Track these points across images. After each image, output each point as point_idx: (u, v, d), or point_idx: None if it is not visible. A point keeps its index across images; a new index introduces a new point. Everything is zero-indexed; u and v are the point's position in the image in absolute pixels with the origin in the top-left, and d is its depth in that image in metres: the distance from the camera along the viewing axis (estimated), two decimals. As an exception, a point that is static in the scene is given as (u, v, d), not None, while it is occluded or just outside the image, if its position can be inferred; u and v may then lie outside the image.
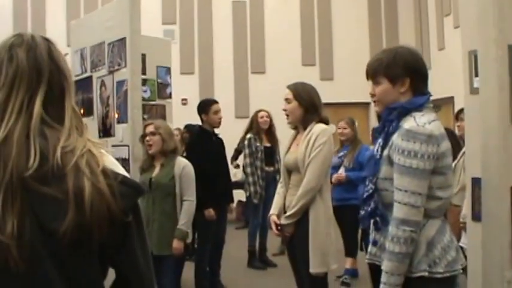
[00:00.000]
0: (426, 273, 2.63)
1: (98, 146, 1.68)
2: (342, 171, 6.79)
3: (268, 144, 8.04)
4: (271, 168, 8.03)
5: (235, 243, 8.29)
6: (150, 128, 5.02)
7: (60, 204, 1.49)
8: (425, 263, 2.64)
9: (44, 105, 1.61)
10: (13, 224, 1.48)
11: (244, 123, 8.26)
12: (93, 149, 1.62)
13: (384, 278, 2.63)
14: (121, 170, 1.66)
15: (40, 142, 1.54)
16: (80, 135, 1.63)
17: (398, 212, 2.62)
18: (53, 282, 1.54)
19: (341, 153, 6.96)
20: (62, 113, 1.64)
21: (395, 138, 2.66)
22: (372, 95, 2.93)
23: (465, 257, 3.04)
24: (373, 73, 2.86)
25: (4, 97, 1.59)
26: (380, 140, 2.79)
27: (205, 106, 6.67)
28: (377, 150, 2.78)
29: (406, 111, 2.73)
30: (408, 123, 2.66)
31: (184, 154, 6.46)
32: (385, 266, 2.64)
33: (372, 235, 2.89)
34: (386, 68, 2.80)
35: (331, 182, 6.73)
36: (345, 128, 7.09)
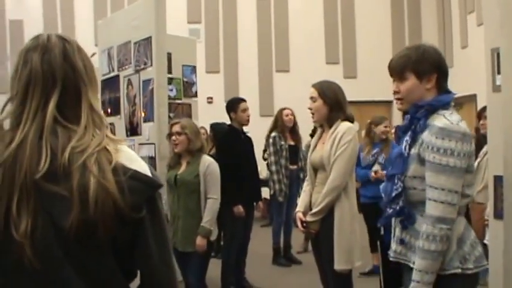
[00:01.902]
0: (459, 270, 2.62)
1: (117, 142, 1.68)
2: (378, 169, 6.76)
3: (292, 143, 8.06)
4: (295, 167, 8.07)
5: (260, 241, 8.31)
6: (176, 128, 5.06)
7: (66, 202, 1.51)
8: (457, 259, 2.63)
9: (59, 106, 1.62)
10: (27, 224, 1.51)
11: (269, 121, 8.28)
12: (110, 146, 1.63)
13: (417, 276, 2.61)
14: (136, 165, 1.65)
15: (52, 142, 1.57)
16: (96, 133, 1.65)
17: (434, 210, 2.60)
18: (69, 280, 1.56)
19: (374, 151, 6.94)
20: (79, 113, 1.66)
21: (427, 136, 2.64)
22: (396, 92, 2.90)
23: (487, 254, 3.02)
24: (400, 69, 2.82)
25: (20, 101, 1.62)
26: (407, 138, 2.76)
27: (234, 104, 6.72)
28: (405, 148, 2.75)
29: (433, 109, 2.72)
30: (440, 121, 2.64)
31: (212, 152, 6.51)
32: (419, 264, 2.61)
33: (398, 233, 2.87)
34: (415, 64, 2.78)
35: (368, 180, 6.76)
36: (385, 127, 7.10)
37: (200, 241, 4.89)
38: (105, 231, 1.54)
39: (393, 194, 2.76)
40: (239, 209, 6.33)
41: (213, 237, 5.06)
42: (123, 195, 1.55)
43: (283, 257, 8.13)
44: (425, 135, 2.65)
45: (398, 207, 2.76)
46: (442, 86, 2.81)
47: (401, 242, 2.82)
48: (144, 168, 1.65)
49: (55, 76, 1.64)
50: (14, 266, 1.54)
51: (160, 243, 1.69)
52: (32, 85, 1.62)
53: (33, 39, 1.73)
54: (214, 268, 6.13)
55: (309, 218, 4.25)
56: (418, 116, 2.73)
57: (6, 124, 1.65)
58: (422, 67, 2.78)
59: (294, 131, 8.11)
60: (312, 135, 8.60)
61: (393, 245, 2.90)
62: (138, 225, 1.63)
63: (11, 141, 1.58)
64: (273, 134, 7.89)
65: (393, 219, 2.92)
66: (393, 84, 2.91)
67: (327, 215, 4.16)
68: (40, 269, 1.53)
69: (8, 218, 1.52)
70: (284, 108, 8.10)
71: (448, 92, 2.83)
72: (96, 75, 1.78)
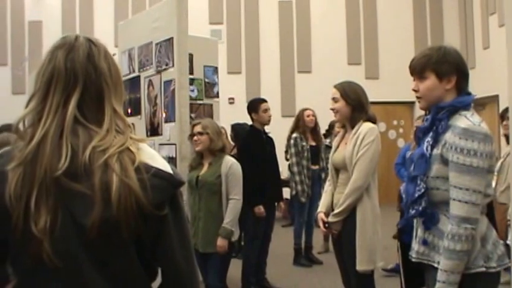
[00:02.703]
0: (483, 269, 2.63)
1: (139, 141, 1.69)
2: None
3: (313, 143, 8.05)
4: (317, 167, 8.07)
5: (281, 241, 8.32)
6: (198, 128, 5.07)
7: (88, 200, 1.53)
8: (481, 258, 2.64)
9: (79, 106, 1.64)
10: (46, 220, 1.52)
11: (291, 121, 8.27)
12: (132, 146, 1.64)
13: (442, 276, 2.61)
14: (158, 163, 1.66)
15: (72, 140, 1.58)
16: (119, 135, 1.65)
17: (459, 210, 2.60)
18: (91, 279, 1.58)
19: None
20: (100, 114, 1.67)
21: (450, 137, 2.65)
22: (415, 91, 2.92)
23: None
24: (421, 68, 2.84)
25: (42, 97, 1.64)
26: (429, 139, 2.76)
27: (255, 105, 6.75)
28: (426, 149, 2.75)
29: (455, 110, 2.73)
30: (462, 122, 2.65)
31: (233, 152, 6.53)
32: (445, 264, 2.62)
33: (421, 234, 2.86)
34: (436, 64, 2.80)
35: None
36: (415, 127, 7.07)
37: (221, 242, 4.89)
38: (127, 229, 1.56)
39: (416, 195, 2.76)
40: (260, 209, 6.34)
41: (234, 238, 5.05)
42: (146, 193, 1.56)
43: (304, 257, 8.12)
44: (448, 136, 2.66)
45: (421, 208, 2.76)
46: (462, 88, 2.83)
47: (425, 242, 2.82)
48: (165, 166, 1.66)
49: (77, 75, 1.65)
50: (35, 265, 1.55)
51: (183, 240, 1.70)
52: (54, 82, 1.64)
53: (62, 38, 1.75)
54: (235, 268, 6.14)
55: (331, 219, 4.25)
56: (439, 117, 2.74)
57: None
58: (443, 68, 2.79)
59: (315, 131, 8.11)
60: (325, 135, 8.61)
61: (415, 246, 2.90)
62: (160, 223, 1.64)
63: (31, 138, 1.60)
64: (294, 134, 7.88)
65: (414, 220, 2.91)
66: (413, 83, 2.92)
67: (349, 215, 4.16)
68: (61, 268, 1.54)
69: (28, 214, 1.53)
70: (305, 109, 8.10)
71: (468, 93, 2.84)
72: (122, 81, 1.80)
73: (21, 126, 1.65)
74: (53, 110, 1.62)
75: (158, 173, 1.62)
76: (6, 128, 6.33)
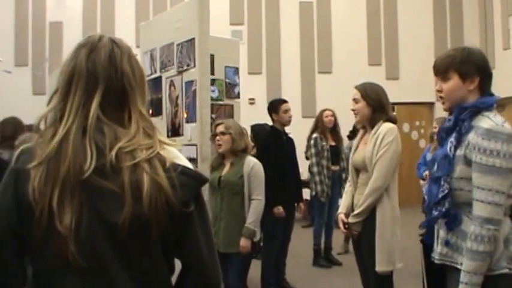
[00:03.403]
0: (506, 270, 2.62)
1: (165, 143, 1.71)
2: None
3: (333, 143, 8.04)
4: (337, 167, 8.06)
5: (301, 242, 8.33)
6: (221, 128, 5.10)
7: (117, 198, 1.54)
8: (504, 260, 2.63)
9: (101, 106, 1.65)
10: (71, 218, 1.54)
11: (311, 122, 8.28)
12: (160, 148, 1.66)
13: (465, 278, 2.61)
14: (183, 161, 1.68)
15: (97, 138, 1.59)
16: (148, 137, 1.66)
17: (482, 210, 2.60)
18: (116, 277, 1.59)
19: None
20: (122, 115, 1.68)
21: (473, 138, 2.64)
22: (438, 91, 2.91)
23: None
24: (444, 68, 2.85)
25: (63, 95, 1.66)
26: (452, 140, 2.76)
27: (276, 105, 6.78)
28: (449, 150, 2.75)
29: (477, 110, 2.73)
30: (485, 122, 2.65)
31: (253, 153, 6.54)
32: (468, 265, 2.61)
33: (443, 235, 2.85)
34: (460, 64, 2.80)
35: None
36: (435, 128, 7.06)
37: (244, 242, 4.92)
38: (157, 227, 1.58)
39: (440, 196, 2.75)
40: (279, 209, 6.35)
41: (257, 238, 5.07)
42: (175, 190, 1.59)
43: (323, 258, 8.13)
44: (471, 137, 2.66)
45: (444, 209, 2.75)
46: (485, 89, 2.83)
47: (447, 243, 2.81)
48: (189, 165, 1.69)
49: (98, 76, 1.66)
50: (59, 264, 1.57)
51: (207, 236, 1.73)
52: (75, 81, 1.66)
53: (87, 37, 1.76)
54: (255, 268, 6.16)
55: (350, 220, 4.26)
56: (462, 117, 2.74)
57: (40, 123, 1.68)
58: (466, 68, 2.79)
59: (335, 131, 8.11)
60: (349, 137, 8.60)
61: (438, 247, 2.89)
62: (186, 220, 1.66)
63: (52, 137, 1.61)
64: (314, 135, 7.89)
65: (437, 221, 2.90)
66: (437, 83, 2.92)
67: (369, 216, 4.16)
68: (86, 267, 1.55)
69: (52, 212, 1.55)
70: (325, 110, 8.10)
71: (491, 94, 2.84)
72: (146, 83, 1.80)
73: (42, 124, 1.67)
74: (74, 108, 1.63)
75: (185, 171, 1.64)
76: (11, 121, 6.38)
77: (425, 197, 2.95)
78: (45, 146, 1.61)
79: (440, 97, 2.92)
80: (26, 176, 1.59)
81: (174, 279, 1.77)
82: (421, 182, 7.09)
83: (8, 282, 1.68)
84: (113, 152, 1.57)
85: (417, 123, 14.58)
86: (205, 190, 4.95)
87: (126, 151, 1.59)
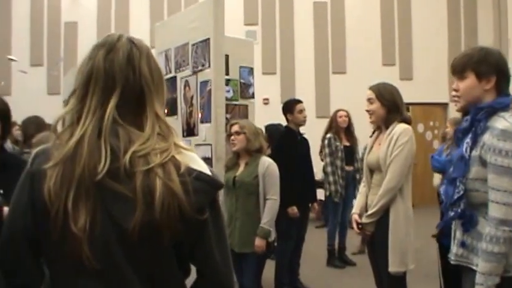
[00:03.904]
0: None
1: (181, 147, 1.68)
2: None
3: (347, 144, 8.04)
4: (351, 168, 8.05)
5: (315, 242, 8.32)
6: (235, 128, 5.12)
7: (129, 202, 1.53)
8: None
9: (118, 108, 1.63)
10: (85, 220, 1.53)
11: (325, 122, 8.28)
12: (175, 151, 1.63)
13: (480, 279, 2.59)
14: (200, 166, 1.65)
15: (112, 141, 1.58)
16: (163, 140, 1.64)
17: (497, 212, 2.58)
18: (129, 279, 1.59)
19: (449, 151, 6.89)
20: (139, 117, 1.67)
21: (488, 139, 2.63)
22: (455, 90, 2.91)
23: None
24: (461, 68, 2.85)
25: (81, 96, 1.65)
26: (468, 140, 2.75)
27: (290, 106, 6.79)
28: (465, 151, 2.74)
29: (493, 111, 2.72)
30: (500, 123, 2.64)
31: (267, 153, 6.55)
32: (483, 267, 2.60)
33: (459, 236, 2.85)
34: (476, 64, 2.80)
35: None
36: (447, 128, 7.04)
37: (259, 242, 4.93)
38: (169, 233, 1.56)
39: (455, 197, 2.75)
40: (293, 209, 6.36)
41: (271, 238, 5.07)
42: (188, 196, 1.57)
43: (337, 258, 8.13)
44: (487, 138, 2.65)
45: (459, 210, 2.75)
46: (501, 89, 2.82)
47: (463, 244, 2.80)
48: (205, 169, 1.66)
49: (115, 77, 1.65)
50: (73, 266, 1.57)
51: (221, 242, 1.71)
52: (93, 82, 1.64)
53: (105, 37, 1.74)
54: (269, 269, 6.15)
55: (364, 220, 4.26)
56: (478, 117, 2.73)
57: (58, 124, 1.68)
58: (483, 68, 2.79)
59: (349, 132, 8.10)
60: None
61: (454, 248, 2.88)
62: (200, 227, 1.64)
63: (69, 138, 1.61)
64: (328, 135, 7.89)
65: (453, 222, 2.90)
66: (453, 82, 2.92)
67: (382, 216, 4.16)
68: (100, 269, 1.56)
69: (67, 214, 1.54)
70: (339, 110, 8.11)
71: (508, 94, 2.82)
72: (164, 84, 1.77)
73: (59, 126, 1.67)
74: (91, 110, 1.62)
75: (200, 176, 1.62)
76: (33, 120, 6.42)
77: (443, 197, 2.93)
78: (61, 148, 1.60)
79: (456, 96, 2.91)
80: (41, 177, 1.59)
81: (188, 282, 1.77)
82: (435, 176, 7.02)
83: (29, 283, 1.69)
84: (127, 156, 1.56)
85: (431, 123, 14.55)
86: (220, 190, 4.96)
87: (139, 155, 1.57)
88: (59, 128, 1.66)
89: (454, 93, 2.93)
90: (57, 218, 1.55)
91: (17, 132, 8.97)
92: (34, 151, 1.73)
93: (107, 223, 1.56)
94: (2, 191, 3.05)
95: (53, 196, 1.55)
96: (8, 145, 7.59)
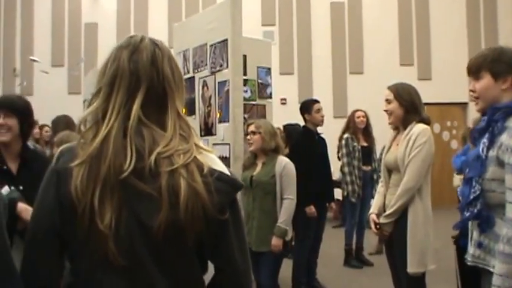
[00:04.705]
0: None
1: (202, 149, 1.71)
2: None
3: (365, 144, 8.05)
4: (369, 168, 8.06)
5: (332, 242, 8.33)
6: (252, 128, 5.15)
7: (154, 202, 1.56)
8: None
9: (142, 107, 1.66)
10: (111, 217, 1.56)
11: (342, 122, 8.29)
12: (196, 151, 1.66)
13: (498, 281, 2.54)
14: (220, 167, 1.68)
15: (137, 141, 1.61)
16: (184, 140, 1.67)
17: None
18: (153, 277, 1.61)
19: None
20: (162, 117, 1.69)
21: (506, 139, 2.61)
22: (472, 91, 2.91)
23: None
24: (476, 68, 2.85)
25: (106, 96, 1.68)
26: (485, 140, 2.73)
27: (308, 105, 6.81)
28: (482, 151, 2.72)
29: (511, 111, 2.70)
30: None
31: (285, 152, 6.57)
32: (500, 268, 2.54)
33: (476, 237, 2.83)
34: (491, 63, 2.79)
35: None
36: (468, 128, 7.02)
37: (276, 241, 4.94)
38: (192, 232, 1.59)
39: (471, 197, 2.72)
40: (311, 209, 6.37)
41: (288, 237, 5.08)
42: (211, 196, 1.59)
43: (355, 258, 8.13)
44: (505, 138, 2.63)
45: (476, 210, 2.72)
46: None
47: (480, 245, 2.76)
48: (226, 170, 1.69)
49: (140, 77, 1.68)
50: (99, 262, 1.59)
51: (241, 241, 1.73)
52: (118, 82, 1.67)
53: (127, 38, 1.77)
54: (286, 268, 6.18)
55: (382, 220, 4.25)
56: (495, 118, 2.71)
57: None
58: (498, 67, 2.78)
59: (367, 132, 8.11)
60: None
61: (471, 249, 2.84)
62: (221, 226, 1.67)
63: (94, 137, 1.63)
64: (346, 135, 7.90)
65: (470, 223, 2.88)
66: (470, 83, 2.92)
67: (401, 217, 4.15)
68: (125, 266, 1.58)
69: (93, 211, 1.57)
70: (356, 110, 8.11)
71: None
72: (184, 84, 1.81)
73: (83, 126, 1.69)
74: (116, 109, 1.64)
75: (222, 177, 1.65)
76: (63, 119, 6.50)
77: (460, 198, 2.91)
78: (86, 146, 1.63)
79: (475, 97, 2.91)
80: (67, 175, 1.62)
81: (206, 278, 1.78)
82: (455, 177, 6.99)
83: (49, 282, 1.70)
84: (152, 157, 1.58)
85: (448, 123, 14.46)
86: (240, 191, 4.98)
87: (164, 156, 1.60)
88: (83, 128, 1.69)
89: (471, 93, 2.92)
90: (84, 216, 1.57)
91: (46, 133, 9.11)
92: (59, 149, 1.76)
93: (132, 221, 1.58)
94: (21, 187, 3.12)
95: (79, 194, 1.57)
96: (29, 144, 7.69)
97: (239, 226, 1.75)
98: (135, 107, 1.65)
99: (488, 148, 2.70)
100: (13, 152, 3.41)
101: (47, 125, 9.46)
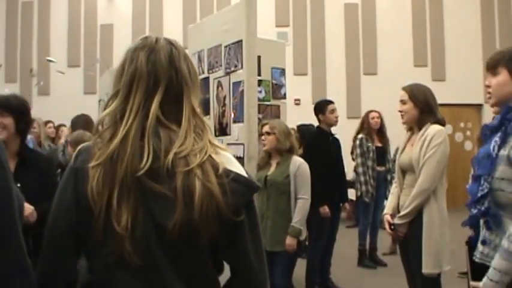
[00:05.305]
0: None
1: (217, 147, 1.71)
2: None
3: (379, 144, 8.05)
4: (383, 168, 8.06)
5: (346, 242, 8.32)
6: (266, 128, 5.18)
7: (170, 202, 1.56)
8: None
9: (161, 107, 1.67)
10: (127, 218, 1.57)
11: (356, 123, 8.30)
12: (211, 149, 1.66)
13: (496, 276, 2.55)
14: (236, 167, 1.68)
15: (154, 142, 1.61)
16: (199, 137, 1.68)
17: None
18: (168, 277, 1.62)
19: None
20: (180, 115, 1.69)
21: None
22: (487, 86, 2.92)
23: None
24: (494, 63, 2.85)
25: (124, 97, 1.68)
26: (496, 139, 2.73)
27: (322, 106, 6.83)
28: (493, 149, 2.71)
29: None
30: None
31: (299, 153, 6.59)
32: (498, 264, 2.56)
33: (483, 235, 2.84)
34: (509, 61, 2.80)
35: None
36: None
37: (290, 241, 4.97)
38: (206, 233, 1.59)
39: (479, 195, 2.73)
40: (325, 209, 6.39)
41: (302, 237, 5.11)
42: (226, 198, 1.59)
43: (368, 258, 8.14)
44: None
45: (483, 208, 2.73)
46: None
47: (487, 243, 2.78)
48: (242, 171, 1.69)
49: (158, 77, 1.69)
50: (115, 262, 1.61)
51: (256, 242, 1.73)
52: (136, 83, 1.68)
53: (142, 39, 1.78)
54: (299, 267, 6.17)
55: (397, 221, 4.25)
56: (509, 117, 2.71)
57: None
58: None
59: (381, 133, 8.11)
60: None
61: (479, 246, 2.86)
62: (236, 227, 1.67)
63: (111, 137, 1.64)
64: (360, 135, 7.91)
65: (481, 221, 2.89)
66: (486, 79, 2.93)
67: (416, 218, 4.15)
68: (141, 266, 1.59)
69: (110, 212, 1.58)
70: (371, 111, 8.12)
71: None
72: (199, 82, 1.82)
73: (101, 125, 1.70)
74: (134, 110, 1.65)
75: (237, 178, 1.65)
76: (82, 118, 6.57)
77: (469, 195, 2.92)
78: (104, 146, 1.64)
79: (489, 92, 2.92)
80: (84, 176, 1.63)
81: (222, 279, 1.79)
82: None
83: (66, 280, 1.71)
84: (170, 157, 1.59)
85: (461, 124, 14.38)
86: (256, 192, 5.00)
87: (180, 156, 1.60)
88: (101, 129, 1.70)
89: (487, 89, 2.93)
90: (100, 217, 1.59)
91: (62, 133, 9.19)
92: (78, 147, 1.77)
93: (148, 222, 1.59)
94: (19, 185, 3.17)
95: (95, 196, 1.59)
96: (44, 144, 7.76)
97: (255, 227, 1.74)
98: (154, 106, 1.65)
99: (500, 147, 2.69)
100: (11, 151, 3.50)
101: (63, 125, 9.55)
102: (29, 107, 3.69)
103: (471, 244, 3.08)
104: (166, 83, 1.69)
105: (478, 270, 2.96)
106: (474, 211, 2.79)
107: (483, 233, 2.82)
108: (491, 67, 2.87)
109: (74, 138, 5.16)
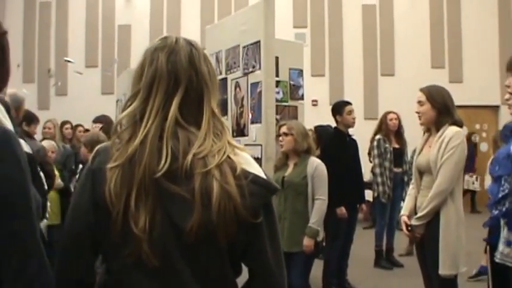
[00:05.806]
0: None
1: (236, 147, 1.70)
2: None
3: (396, 146, 8.03)
4: (400, 170, 8.04)
5: (363, 243, 8.30)
6: (284, 129, 5.19)
7: (187, 204, 1.56)
8: None
9: (180, 108, 1.66)
10: (145, 219, 1.57)
11: (373, 124, 8.30)
12: (229, 150, 1.65)
13: None
14: (255, 168, 1.67)
15: (172, 144, 1.61)
16: (217, 138, 1.67)
17: None
18: (185, 279, 1.63)
19: None
20: (199, 116, 1.69)
21: None
22: (508, 87, 2.91)
23: None
24: None
25: (144, 98, 1.68)
26: None
27: (340, 107, 6.83)
28: None
29: None
30: None
31: (316, 154, 6.60)
32: None
33: (505, 235, 2.83)
34: None
35: None
36: None
37: (307, 241, 4.98)
38: (224, 235, 1.59)
39: (500, 195, 2.73)
40: (342, 210, 6.40)
41: (320, 238, 5.11)
42: (244, 199, 1.58)
43: (385, 259, 8.13)
44: None
45: (504, 209, 2.73)
46: None
47: (508, 243, 2.79)
48: (260, 172, 1.68)
49: (179, 78, 1.68)
50: (133, 263, 1.61)
51: (274, 244, 1.73)
52: (156, 83, 1.67)
53: (161, 39, 1.77)
54: (316, 268, 6.17)
55: (413, 222, 4.25)
56: None
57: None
58: None
59: (398, 134, 8.09)
60: None
61: (500, 247, 2.86)
62: (254, 229, 1.66)
63: (130, 138, 1.64)
64: (378, 136, 7.90)
65: (501, 221, 2.88)
66: (508, 79, 2.93)
67: (433, 219, 4.14)
68: (158, 267, 1.60)
69: (127, 213, 1.59)
70: (389, 112, 8.10)
71: None
72: (218, 82, 1.81)
73: (119, 126, 1.70)
74: (154, 111, 1.64)
75: (256, 180, 1.63)
76: (102, 119, 6.63)
77: (490, 196, 2.92)
78: (122, 147, 1.64)
79: (509, 93, 2.91)
80: (102, 177, 1.62)
81: (240, 281, 1.78)
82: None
83: (85, 280, 1.73)
84: (188, 158, 1.59)
85: (477, 126, 14.30)
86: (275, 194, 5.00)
87: (199, 157, 1.59)
88: (119, 130, 1.70)
89: (507, 89, 2.92)
90: (118, 219, 1.59)
91: (79, 133, 9.25)
92: (96, 148, 1.78)
93: (166, 223, 1.59)
94: None
95: (113, 198, 1.59)
96: (58, 144, 7.80)
97: (273, 229, 1.73)
98: (173, 108, 1.65)
99: None
100: None
101: (81, 125, 9.61)
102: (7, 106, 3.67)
103: (491, 244, 3.07)
104: (186, 84, 1.69)
105: (498, 270, 2.96)
106: (495, 212, 2.79)
107: (505, 233, 2.81)
108: (510, 67, 2.87)
109: (89, 139, 5.19)
